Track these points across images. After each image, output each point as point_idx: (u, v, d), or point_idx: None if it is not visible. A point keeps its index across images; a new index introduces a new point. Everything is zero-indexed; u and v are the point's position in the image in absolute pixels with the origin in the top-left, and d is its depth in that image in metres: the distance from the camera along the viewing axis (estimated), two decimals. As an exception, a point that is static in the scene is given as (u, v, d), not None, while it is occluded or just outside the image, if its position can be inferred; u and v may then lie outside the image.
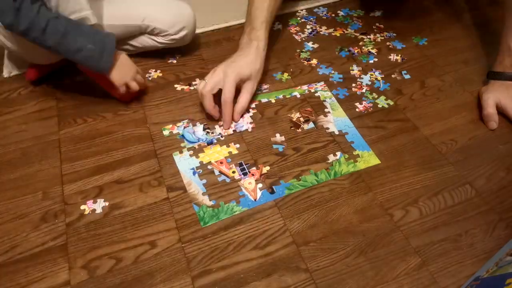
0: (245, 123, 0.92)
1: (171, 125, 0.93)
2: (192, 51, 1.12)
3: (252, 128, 0.91)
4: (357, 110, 0.96)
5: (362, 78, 1.04)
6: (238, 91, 0.90)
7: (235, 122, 0.92)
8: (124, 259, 0.70)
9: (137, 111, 0.96)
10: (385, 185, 0.81)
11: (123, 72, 0.89)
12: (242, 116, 0.93)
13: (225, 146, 0.88)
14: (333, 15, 1.27)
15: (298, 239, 0.72)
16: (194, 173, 0.83)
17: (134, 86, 0.91)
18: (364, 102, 0.97)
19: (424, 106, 0.97)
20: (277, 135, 0.90)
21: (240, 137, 0.89)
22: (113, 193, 0.80)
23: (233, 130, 0.90)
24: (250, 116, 0.93)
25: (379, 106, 0.97)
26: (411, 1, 1.31)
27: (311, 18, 1.25)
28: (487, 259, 0.69)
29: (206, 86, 0.88)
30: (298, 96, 0.99)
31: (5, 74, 1.06)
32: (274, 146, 0.88)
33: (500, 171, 0.83)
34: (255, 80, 0.93)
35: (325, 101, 0.98)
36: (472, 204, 0.78)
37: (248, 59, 0.91)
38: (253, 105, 0.96)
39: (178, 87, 1.02)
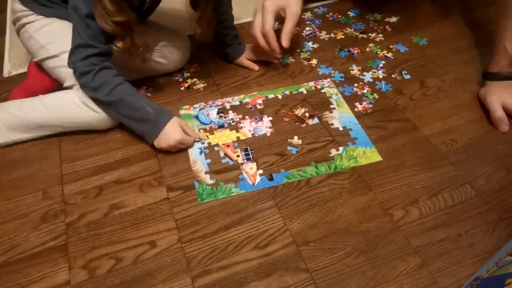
0: (264, 127, 0.91)
1: (188, 106, 0.96)
2: (192, 51, 1.12)
3: (271, 132, 0.90)
4: (356, 110, 0.96)
5: (364, 76, 1.04)
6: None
7: (285, 47, 0.94)
8: (124, 259, 0.70)
9: (137, 111, 0.96)
10: (385, 185, 0.81)
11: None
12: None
13: (234, 131, 0.90)
14: (333, 15, 1.27)
15: (298, 239, 0.72)
16: (200, 152, 0.86)
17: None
18: (364, 103, 0.97)
19: (424, 106, 0.97)
20: (295, 137, 0.89)
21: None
22: (113, 193, 0.80)
23: (252, 134, 0.89)
24: (270, 121, 0.92)
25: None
26: (411, 1, 1.31)
27: (313, 19, 1.25)
28: (487, 259, 0.69)
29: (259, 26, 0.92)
30: (305, 92, 1.00)
31: (5, 74, 1.06)
32: (289, 148, 0.87)
33: (500, 171, 0.83)
34: (295, 4, 0.91)
35: (331, 97, 0.99)
36: (472, 204, 0.78)
37: None
38: (260, 101, 0.97)
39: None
